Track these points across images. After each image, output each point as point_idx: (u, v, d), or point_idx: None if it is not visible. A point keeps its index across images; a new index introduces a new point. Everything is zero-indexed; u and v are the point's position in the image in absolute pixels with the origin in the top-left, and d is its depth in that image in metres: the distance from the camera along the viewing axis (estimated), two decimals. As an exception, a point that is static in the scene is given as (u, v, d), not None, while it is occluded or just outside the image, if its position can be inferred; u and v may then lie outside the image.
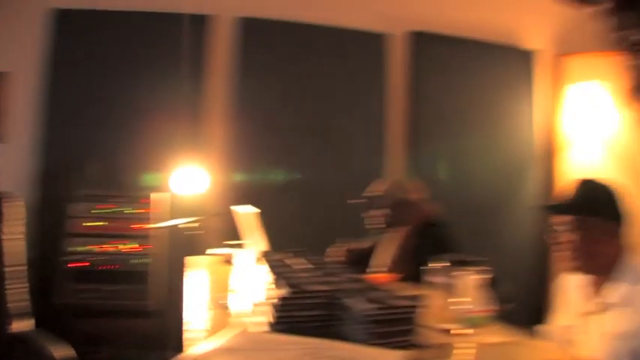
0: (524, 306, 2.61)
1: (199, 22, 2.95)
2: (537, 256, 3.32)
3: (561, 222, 1.46)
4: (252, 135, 3.00)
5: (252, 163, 3.02)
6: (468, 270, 1.24)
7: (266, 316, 1.23)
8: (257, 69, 3.01)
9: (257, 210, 2.00)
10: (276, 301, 1.21)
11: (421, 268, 1.62)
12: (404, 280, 1.88)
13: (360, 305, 1.14)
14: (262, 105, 3.03)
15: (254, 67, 3.01)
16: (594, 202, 1.44)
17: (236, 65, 3.00)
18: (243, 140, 3.00)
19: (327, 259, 2.23)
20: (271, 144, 3.02)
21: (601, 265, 1.42)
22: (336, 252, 2.17)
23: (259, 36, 3.03)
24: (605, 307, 1.38)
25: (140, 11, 2.98)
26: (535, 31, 3.49)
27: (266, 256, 1.63)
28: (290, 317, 1.19)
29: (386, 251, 1.96)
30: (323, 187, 3.05)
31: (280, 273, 1.36)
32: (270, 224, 2.88)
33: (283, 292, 1.21)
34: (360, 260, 2.16)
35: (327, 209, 2.91)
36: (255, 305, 1.38)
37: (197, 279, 2.07)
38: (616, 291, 1.37)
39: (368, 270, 1.99)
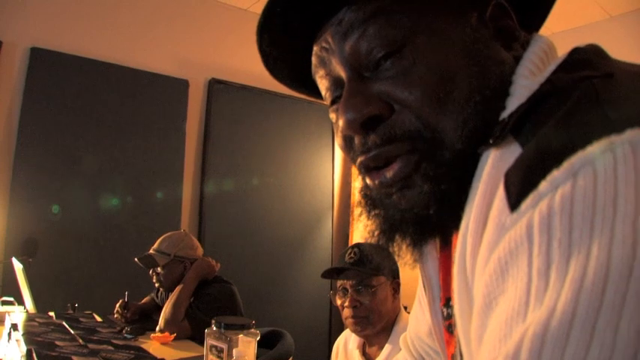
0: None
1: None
2: (330, 308, 3.33)
3: (342, 284, 1.48)
4: (35, 172, 2.61)
5: (34, 205, 2.60)
6: (241, 331, 1.26)
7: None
8: (48, 105, 2.67)
9: (20, 265, 1.76)
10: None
11: (199, 327, 1.58)
12: (185, 339, 1.83)
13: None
14: (49, 141, 2.67)
15: (44, 104, 2.65)
16: (369, 263, 1.43)
17: (23, 96, 2.62)
18: (25, 178, 2.59)
19: (110, 317, 2.08)
20: (60, 184, 2.65)
21: (376, 325, 1.42)
22: (117, 309, 2.01)
23: (55, 68, 2.70)
24: None
25: None
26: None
27: (27, 319, 1.43)
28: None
29: (166, 309, 1.88)
30: (117, 234, 2.78)
31: (37, 343, 1.21)
32: (58, 277, 2.55)
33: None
34: (142, 318, 2.05)
35: (127, 256, 2.60)
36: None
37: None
38: (384, 351, 1.39)
39: (152, 328, 1.89)
